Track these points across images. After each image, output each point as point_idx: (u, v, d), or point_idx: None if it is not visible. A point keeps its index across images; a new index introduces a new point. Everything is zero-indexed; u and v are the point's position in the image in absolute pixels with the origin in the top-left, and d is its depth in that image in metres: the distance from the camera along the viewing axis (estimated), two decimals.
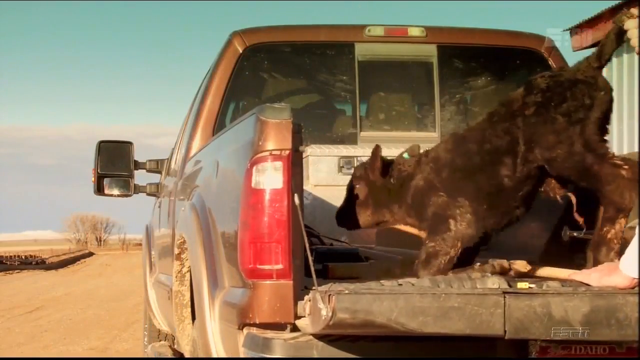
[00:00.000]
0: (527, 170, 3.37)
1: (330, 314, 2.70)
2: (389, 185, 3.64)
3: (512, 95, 3.47)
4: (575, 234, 3.70)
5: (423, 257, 3.45)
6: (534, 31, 5.51)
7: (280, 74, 5.33)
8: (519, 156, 3.36)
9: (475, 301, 2.73)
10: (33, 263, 43.19)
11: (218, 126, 4.98)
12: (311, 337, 2.94)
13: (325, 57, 5.25)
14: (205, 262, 3.75)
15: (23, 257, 47.67)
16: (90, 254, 65.34)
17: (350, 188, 3.74)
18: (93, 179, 6.29)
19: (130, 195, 6.39)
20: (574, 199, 3.49)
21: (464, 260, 3.47)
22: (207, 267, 3.72)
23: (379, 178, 3.64)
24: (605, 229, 3.29)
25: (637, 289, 2.86)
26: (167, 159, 6.44)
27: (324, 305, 2.72)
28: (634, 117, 10.93)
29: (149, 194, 6.72)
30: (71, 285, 25.69)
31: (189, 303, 4.51)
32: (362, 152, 4.75)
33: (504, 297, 2.75)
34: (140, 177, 6.51)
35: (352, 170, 4.68)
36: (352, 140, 5.12)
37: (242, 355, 3.15)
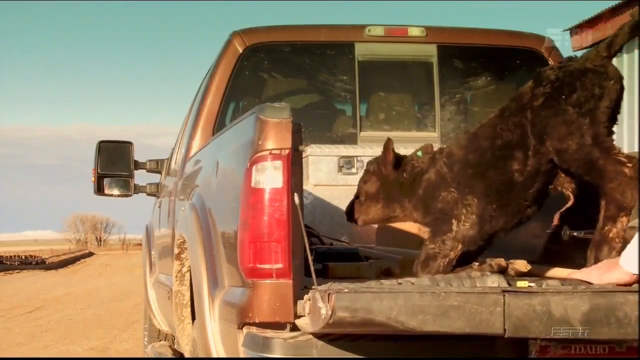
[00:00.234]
0: (538, 164, 3.36)
1: (329, 313, 2.70)
2: (402, 179, 3.63)
3: (522, 89, 3.46)
4: (575, 234, 3.70)
5: (422, 258, 3.45)
6: (534, 31, 5.52)
7: (280, 74, 5.33)
8: (530, 149, 3.35)
9: (475, 300, 2.73)
10: (33, 263, 43.22)
11: (218, 126, 4.98)
12: (311, 336, 2.94)
13: (325, 57, 5.26)
14: (205, 261, 3.75)
15: (23, 257, 47.70)
16: (90, 254, 65.37)
17: (362, 183, 3.74)
18: (93, 179, 6.28)
19: (130, 195, 6.39)
20: (572, 198, 3.49)
21: (467, 260, 3.47)
22: (207, 266, 3.72)
23: (391, 172, 3.64)
24: (606, 228, 3.28)
25: (636, 287, 2.86)
26: (167, 159, 6.44)
27: (323, 304, 2.72)
28: (634, 117, 10.92)
29: (149, 194, 6.72)
30: (71, 285, 25.70)
31: (189, 303, 4.51)
32: (362, 152, 4.75)
33: (504, 295, 2.75)
34: (140, 177, 6.52)
35: (352, 170, 4.71)
36: (352, 140, 5.12)
37: (242, 355, 3.15)
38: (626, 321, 2.76)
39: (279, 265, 3.07)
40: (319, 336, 2.92)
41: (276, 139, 3.10)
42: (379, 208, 3.70)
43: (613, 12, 11.53)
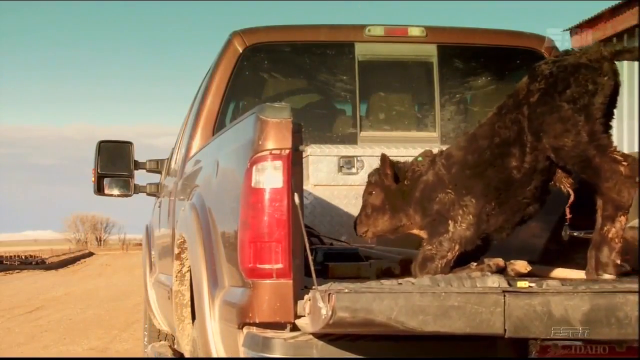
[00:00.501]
0: (535, 161, 3.35)
1: (330, 313, 2.70)
2: (404, 187, 3.64)
3: (518, 84, 3.46)
4: (575, 234, 3.69)
5: (420, 260, 3.45)
6: (534, 31, 5.52)
7: (280, 74, 5.33)
8: (527, 146, 3.35)
9: (475, 300, 2.73)
10: (33, 263, 43.21)
11: (218, 126, 4.98)
12: (311, 336, 2.94)
13: (325, 57, 5.25)
14: (205, 261, 3.75)
15: (23, 257, 47.68)
16: (90, 254, 65.36)
17: (366, 195, 3.74)
18: (93, 179, 6.28)
19: (130, 195, 6.39)
20: (572, 195, 3.47)
21: (467, 260, 3.47)
22: (207, 266, 3.72)
23: (392, 183, 3.65)
24: (605, 228, 3.28)
25: (637, 287, 2.86)
26: (167, 159, 6.44)
27: (323, 305, 2.72)
28: (634, 117, 10.93)
29: (149, 194, 6.71)
30: (71, 285, 25.69)
31: (189, 303, 4.51)
32: (362, 152, 4.75)
33: (504, 295, 2.75)
34: (140, 177, 6.52)
35: (352, 170, 4.70)
36: (352, 140, 5.12)
37: (242, 355, 3.15)
38: (626, 321, 2.76)
39: (279, 265, 3.07)
40: (319, 336, 2.92)
41: (276, 139, 3.10)
42: (386, 219, 3.69)
43: (613, 12, 11.53)
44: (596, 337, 2.83)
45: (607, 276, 3.26)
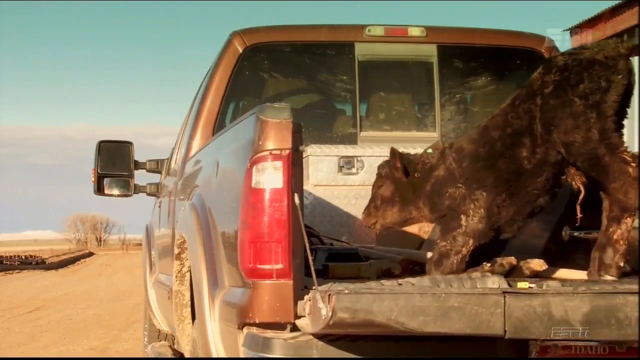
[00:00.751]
0: (546, 153, 3.33)
1: (330, 314, 2.70)
2: (414, 179, 3.64)
3: (533, 75, 3.45)
4: (575, 234, 3.69)
5: (435, 257, 3.43)
6: (534, 31, 5.52)
7: (280, 74, 5.33)
8: (538, 137, 3.33)
9: (475, 301, 2.73)
10: (33, 263, 43.26)
11: (218, 126, 4.98)
12: (311, 336, 2.94)
13: (325, 57, 5.25)
14: (205, 261, 3.75)
15: (23, 257, 47.71)
16: (90, 254, 65.40)
17: (376, 187, 3.74)
18: (93, 179, 6.28)
19: (130, 195, 6.39)
20: (582, 192, 3.43)
21: (479, 261, 3.46)
22: (207, 266, 3.72)
23: (403, 176, 3.65)
24: (611, 230, 3.26)
25: (637, 287, 2.86)
26: (167, 159, 6.43)
27: (324, 305, 2.72)
28: (634, 117, 10.90)
29: (149, 194, 6.71)
30: (71, 285, 25.70)
31: (189, 303, 4.51)
32: (362, 152, 4.75)
33: (504, 296, 2.75)
34: (140, 177, 6.51)
35: (352, 170, 4.70)
36: (352, 140, 5.12)
37: (242, 355, 3.15)
38: (626, 322, 2.76)
39: (279, 266, 3.07)
40: (319, 337, 2.92)
41: (276, 139, 3.10)
42: (396, 211, 3.69)
43: (613, 12, 11.54)
44: (596, 338, 2.83)
45: (608, 277, 3.26)
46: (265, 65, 5.23)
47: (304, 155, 4.29)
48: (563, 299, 2.77)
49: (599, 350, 2.99)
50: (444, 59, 5.27)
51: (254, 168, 3.12)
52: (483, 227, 3.41)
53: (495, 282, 2.96)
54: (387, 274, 3.74)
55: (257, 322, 3.10)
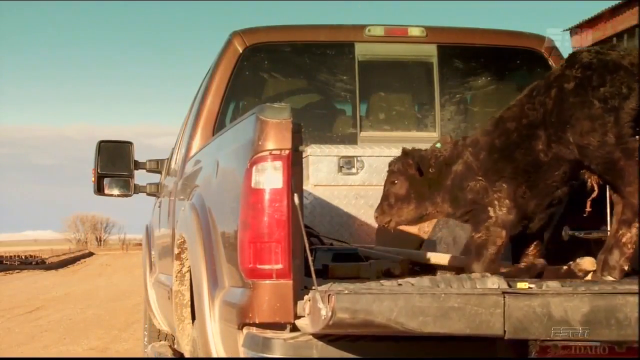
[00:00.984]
0: (560, 149, 3.32)
1: (330, 314, 2.70)
2: (429, 175, 3.62)
3: (553, 68, 3.43)
4: (575, 234, 3.69)
5: (474, 249, 3.43)
6: (534, 31, 5.52)
7: (280, 74, 5.33)
8: (552, 133, 3.31)
9: (475, 301, 2.73)
10: (33, 263, 43.27)
11: (218, 126, 4.97)
12: (311, 336, 2.94)
13: (325, 57, 5.25)
14: (205, 262, 3.75)
15: (23, 257, 47.73)
16: (90, 254, 65.41)
17: (389, 184, 3.72)
18: (93, 179, 6.28)
19: (130, 195, 6.39)
20: (596, 190, 3.42)
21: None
22: (207, 267, 3.72)
23: (416, 172, 3.64)
24: (620, 232, 3.25)
25: (636, 288, 2.86)
26: (167, 159, 6.43)
27: (323, 305, 2.72)
28: None
29: (149, 194, 6.71)
30: (71, 285, 25.70)
31: (189, 303, 4.51)
32: (362, 152, 4.75)
33: (504, 297, 2.75)
34: (140, 177, 6.51)
35: (352, 170, 4.70)
36: (352, 140, 5.12)
37: (242, 355, 3.15)
38: (626, 322, 2.76)
39: (279, 266, 3.07)
40: (319, 337, 2.92)
41: (276, 140, 3.10)
42: (412, 208, 3.67)
43: (613, 12, 11.55)
44: (596, 338, 2.83)
45: (610, 279, 3.26)
46: (265, 65, 5.24)
47: (304, 155, 4.29)
48: (563, 299, 2.77)
49: (599, 350, 2.99)
50: (444, 59, 5.27)
51: (254, 168, 3.12)
52: (513, 217, 3.41)
53: (494, 283, 2.96)
54: (387, 274, 3.74)
55: (257, 322, 3.10)
